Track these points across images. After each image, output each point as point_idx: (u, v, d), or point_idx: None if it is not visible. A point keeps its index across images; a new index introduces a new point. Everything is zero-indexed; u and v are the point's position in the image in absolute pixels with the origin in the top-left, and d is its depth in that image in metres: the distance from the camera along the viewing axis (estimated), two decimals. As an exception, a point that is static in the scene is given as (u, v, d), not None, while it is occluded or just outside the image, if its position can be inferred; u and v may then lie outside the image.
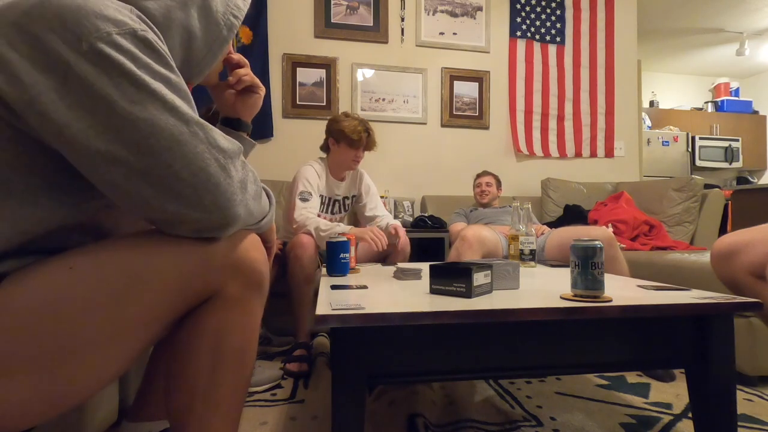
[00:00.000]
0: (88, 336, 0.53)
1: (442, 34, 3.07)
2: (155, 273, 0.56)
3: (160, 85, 0.52)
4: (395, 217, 2.71)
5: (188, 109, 0.54)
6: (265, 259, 0.65)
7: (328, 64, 2.91)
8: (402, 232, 1.87)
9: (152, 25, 0.55)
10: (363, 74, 2.97)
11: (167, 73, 0.54)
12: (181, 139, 0.52)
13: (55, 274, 0.53)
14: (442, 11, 3.07)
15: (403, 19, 3.03)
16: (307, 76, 2.90)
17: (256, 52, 2.79)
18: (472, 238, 1.82)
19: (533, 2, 3.21)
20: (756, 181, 5.32)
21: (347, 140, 1.85)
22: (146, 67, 0.51)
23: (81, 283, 0.53)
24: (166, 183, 0.52)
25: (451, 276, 0.90)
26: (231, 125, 0.79)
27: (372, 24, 2.97)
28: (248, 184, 0.60)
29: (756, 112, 5.33)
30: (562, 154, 3.23)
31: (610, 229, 2.33)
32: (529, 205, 1.74)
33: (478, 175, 2.56)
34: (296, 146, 2.87)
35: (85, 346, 0.53)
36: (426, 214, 2.64)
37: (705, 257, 1.67)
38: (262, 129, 2.79)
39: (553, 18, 3.23)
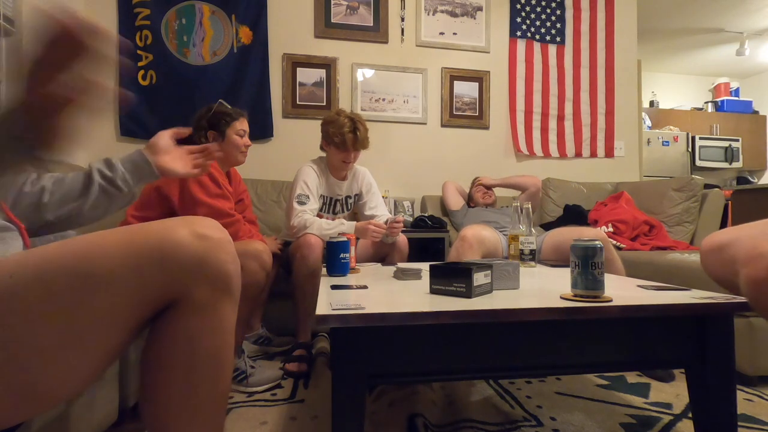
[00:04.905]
0: (39, 346, 0.50)
1: (442, 34, 3.07)
2: (105, 277, 0.53)
3: None
4: (395, 217, 2.70)
5: None
6: (234, 259, 0.61)
7: (328, 64, 2.91)
8: (399, 224, 1.80)
9: None
10: (363, 74, 2.97)
11: None
12: None
13: None
14: (442, 11, 3.07)
15: (403, 19, 3.03)
16: (307, 76, 2.90)
17: (256, 52, 2.79)
18: (472, 238, 1.82)
19: (533, 2, 3.20)
20: (756, 181, 5.31)
21: (334, 144, 1.85)
22: None
23: (24, 292, 0.50)
24: None
25: (451, 276, 0.90)
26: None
27: (372, 24, 2.97)
28: (45, 198, 0.73)
29: (756, 112, 5.33)
30: (562, 154, 3.23)
31: (610, 230, 2.34)
32: (529, 205, 1.74)
33: (474, 183, 2.62)
34: (296, 146, 2.86)
35: (36, 356, 0.50)
36: (426, 214, 2.64)
37: (705, 257, 1.67)
38: (262, 129, 2.79)
39: (553, 18, 3.23)
